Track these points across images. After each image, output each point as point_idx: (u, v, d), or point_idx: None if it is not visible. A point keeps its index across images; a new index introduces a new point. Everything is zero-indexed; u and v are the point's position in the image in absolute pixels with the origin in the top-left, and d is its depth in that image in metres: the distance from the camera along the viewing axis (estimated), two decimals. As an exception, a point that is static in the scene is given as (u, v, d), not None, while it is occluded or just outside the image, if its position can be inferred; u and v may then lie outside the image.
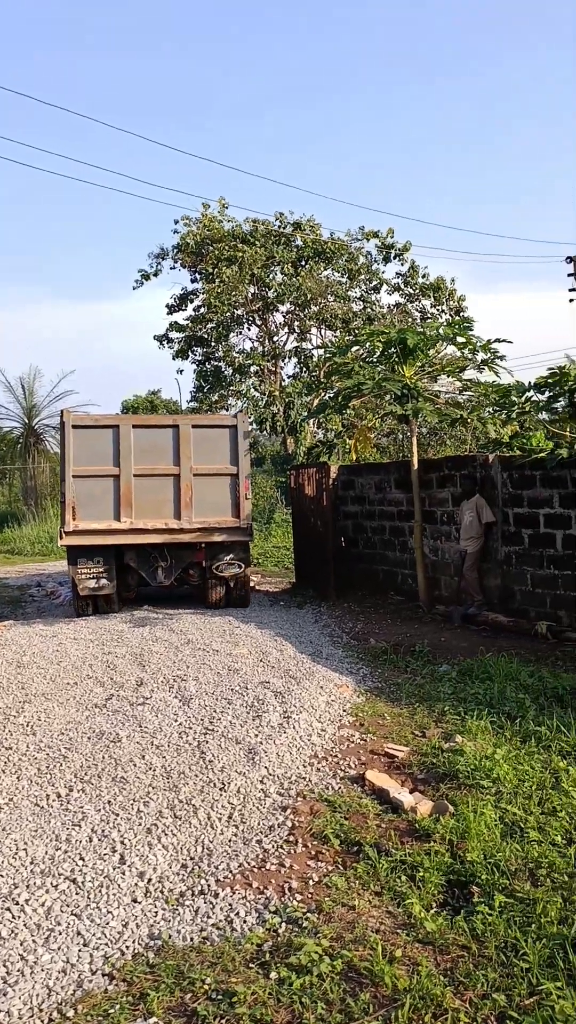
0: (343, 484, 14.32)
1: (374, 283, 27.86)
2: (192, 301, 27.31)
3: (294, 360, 27.95)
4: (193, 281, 27.33)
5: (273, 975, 3.30)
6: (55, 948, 3.59)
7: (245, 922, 3.77)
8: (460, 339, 11.58)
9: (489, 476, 10.81)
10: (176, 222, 26.58)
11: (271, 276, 26.17)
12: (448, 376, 13.44)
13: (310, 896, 3.95)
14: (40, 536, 26.68)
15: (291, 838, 4.57)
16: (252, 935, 3.61)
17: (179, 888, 4.11)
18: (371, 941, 3.45)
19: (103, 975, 3.42)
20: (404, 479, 12.54)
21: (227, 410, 26.52)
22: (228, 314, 25.88)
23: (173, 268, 27.36)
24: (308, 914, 3.76)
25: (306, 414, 23.04)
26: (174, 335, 27.70)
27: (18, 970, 3.43)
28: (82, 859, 4.37)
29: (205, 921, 3.80)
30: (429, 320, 26.52)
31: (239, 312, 26.65)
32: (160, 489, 11.82)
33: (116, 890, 4.05)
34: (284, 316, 27.55)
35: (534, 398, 9.71)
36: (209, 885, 4.11)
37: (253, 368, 26.81)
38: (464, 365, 12.31)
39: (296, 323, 27.36)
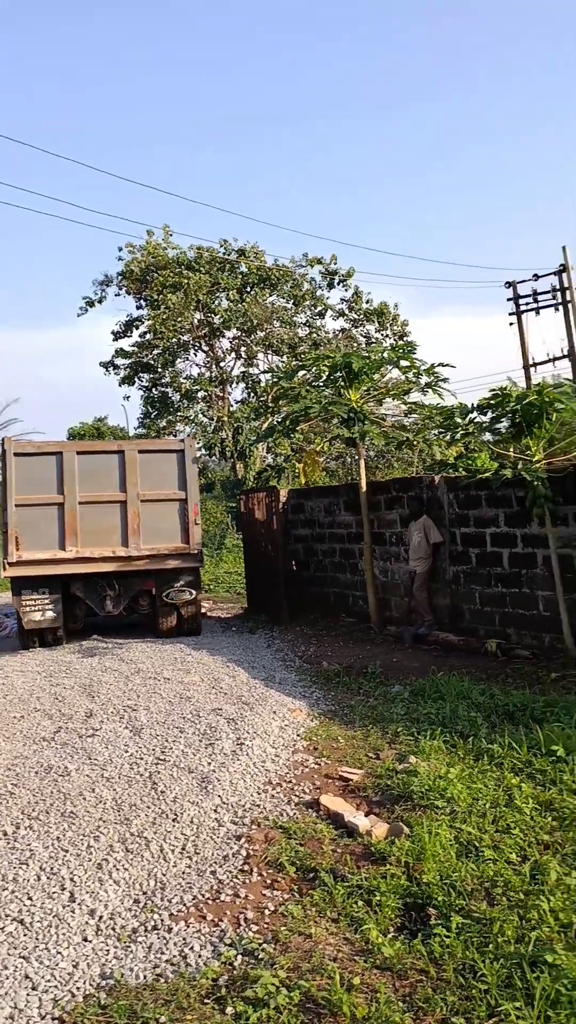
0: (293, 508, 14.34)
1: (319, 308, 28.20)
2: (138, 327, 27.30)
3: (242, 385, 28.10)
4: (138, 308, 27.35)
5: (229, 1010, 3.22)
6: (1, 993, 3.45)
7: (200, 956, 3.68)
8: (404, 363, 11.75)
9: (436, 497, 10.93)
10: (120, 249, 26.62)
11: (216, 302, 26.31)
12: (393, 399, 13.61)
13: (266, 926, 3.88)
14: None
15: (246, 867, 4.49)
16: (207, 969, 3.52)
17: (131, 924, 4.00)
18: (329, 970, 3.40)
19: (53, 1019, 3.30)
20: (353, 502, 12.61)
21: (175, 436, 26.44)
22: (174, 340, 25.90)
23: (118, 295, 27.35)
24: (264, 945, 3.69)
25: (255, 439, 23.09)
26: (120, 361, 27.62)
27: (-38, 1019, 3.29)
28: (30, 898, 4.23)
29: (159, 957, 3.70)
30: (374, 344, 26.88)
31: (185, 338, 26.71)
32: (107, 516, 11.64)
33: (66, 929, 3.93)
34: (231, 342, 27.71)
35: (477, 419, 9.86)
36: (162, 919, 4.01)
37: (201, 394, 26.83)
38: (408, 388, 12.48)
39: (243, 348, 27.52)
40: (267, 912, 4.01)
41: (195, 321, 26.19)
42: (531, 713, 6.84)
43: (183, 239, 40.37)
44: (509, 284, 26.15)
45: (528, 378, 25.51)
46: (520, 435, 9.21)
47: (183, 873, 4.50)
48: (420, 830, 4.59)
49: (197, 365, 28.25)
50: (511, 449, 9.94)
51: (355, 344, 27.40)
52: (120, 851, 4.72)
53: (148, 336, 26.34)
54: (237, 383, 28.20)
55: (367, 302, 28.20)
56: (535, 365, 26.13)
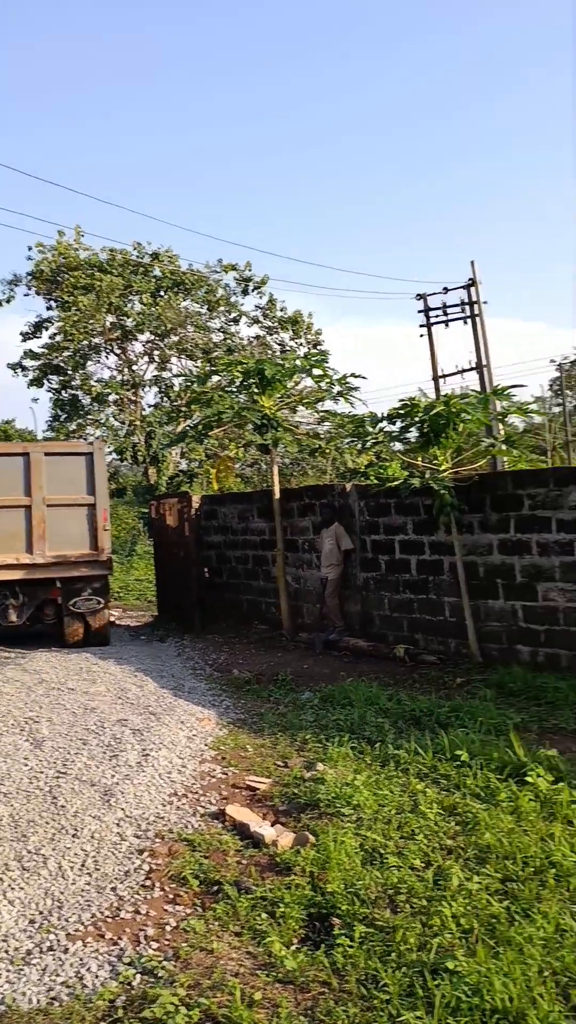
0: (206, 514, 14.22)
1: (233, 315, 28.16)
2: (47, 329, 26.67)
3: (155, 389, 27.78)
4: (48, 309, 26.71)
5: (126, 1033, 3.11)
6: None
7: (97, 977, 3.54)
8: (316, 371, 11.82)
9: (347, 504, 11.01)
10: (30, 248, 25.98)
11: (129, 305, 25.96)
12: (306, 408, 13.68)
13: (167, 943, 3.78)
14: None
15: (148, 882, 4.37)
16: (104, 990, 3.40)
17: (26, 946, 3.83)
18: (230, 986, 3.32)
19: None
20: (267, 508, 12.59)
21: (85, 439, 25.93)
22: (85, 342, 25.42)
23: (27, 295, 26.66)
24: (164, 962, 3.58)
25: (167, 443, 22.85)
26: (29, 363, 26.91)
27: None
28: None
29: (53, 980, 3.54)
30: (288, 352, 27.01)
31: (97, 340, 26.24)
32: (9, 521, 11.22)
33: (-45, 956, 3.72)
34: (144, 345, 27.38)
35: (387, 428, 10.00)
36: (59, 940, 3.86)
37: (112, 397, 26.40)
38: (321, 397, 12.56)
39: (156, 352, 27.23)
40: (168, 928, 3.91)
41: (107, 324, 25.76)
42: (437, 718, 6.93)
43: (95, 240, 39.70)
44: (420, 296, 26.71)
45: (437, 389, 26.09)
46: (428, 445, 9.37)
47: (82, 891, 4.34)
48: (326, 838, 4.56)
49: (109, 368, 27.81)
50: (420, 458, 10.11)
51: (269, 351, 27.48)
52: (16, 870, 4.52)
53: (58, 338, 25.75)
54: (150, 387, 27.89)
55: (281, 310, 28.33)
56: (444, 376, 26.75)
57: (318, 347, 28.23)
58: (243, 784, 5.81)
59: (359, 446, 11.29)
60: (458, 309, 26.27)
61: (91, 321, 24.53)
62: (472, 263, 26.03)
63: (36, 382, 26.91)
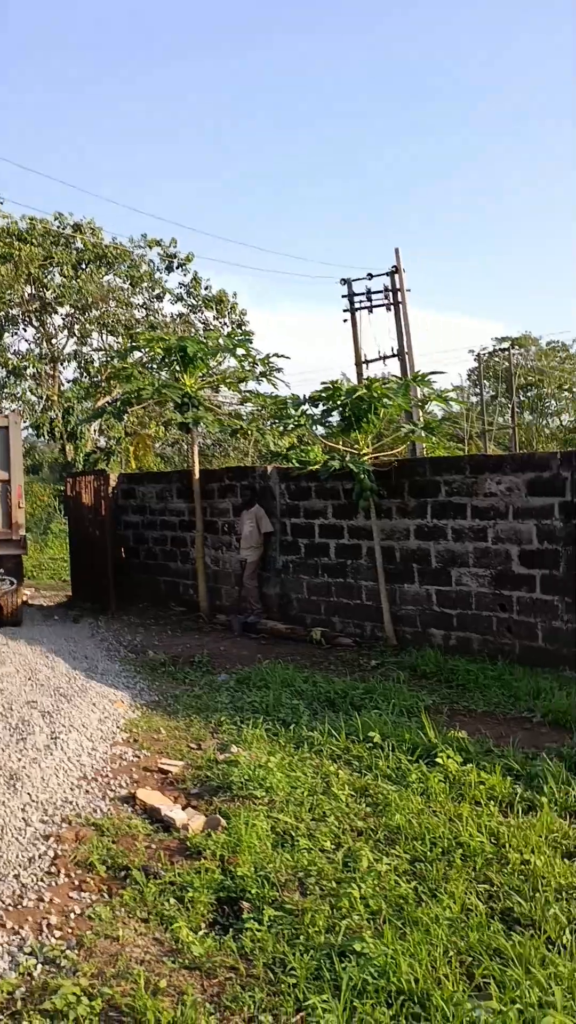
0: (123, 493, 13.95)
1: (157, 291, 27.66)
2: (-38, 297, 25.59)
3: (74, 364, 27.06)
4: (-37, 276, 25.61)
5: (25, 1025, 3.00)
6: None
7: (-4, 969, 3.42)
8: (240, 351, 11.70)
9: (268, 487, 10.96)
10: (-56, 213, 24.87)
11: (49, 277, 25.17)
12: (229, 388, 13.55)
13: (71, 931, 3.68)
14: None
15: (53, 869, 4.25)
16: (2, 983, 3.28)
17: None
18: (135, 974, 3.25)
19: None
20: (186, 489, 12.43)
21: (0, 412, 25.12)
22: (2, 313, 24.56)
23: None
24: (67, 951, 3.49)
25: (85, 419, 22.32)
26: None
27: None
28: None
29: (-50, 973, 3.40)
30: (211, 331, 26.70)
31: (14, 312, 25.38)
32: None
33: None
34: (63, 319, 26.62)
35: (309, 411, 9.97)
36: (-43, 932, 3.71)
37: (30, 371, 25.61)
38: (244, 377, 12.45)
39: (76, 326, 26.53)
40: (73, 916, 3.81)
41: (25, 295, 24.92)
42: (351, 700, 6.98)
43: (14, 208, 38.42)
44: (344, 281, 26.75)
45: (360, 375, 26.24)
46: (350, 429, 9.39)
47: (-17, 879, 4.19)
48: (237, 821, 4.53)
49: (26, 341, 26.94)
50: (341, 443, 10.13)
51: (193, 330, 27.11)
52: None
53: (-27, 307, 24.79)
54: (69, 362, 27.15)
55: (206, 288, 27.96)
56: (367, 362, 26.91)
57: (242, 327, 27.99)
58: (155, 767, 5.72)
59: (281, 428, 11.25)
60: (381, 296, 26.44)
61: (8, 291, 23.68)
62: (396, 251, 26.18)
63: (-52, 353, 25.89)
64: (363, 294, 26.57)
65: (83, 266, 25.71)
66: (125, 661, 9.27)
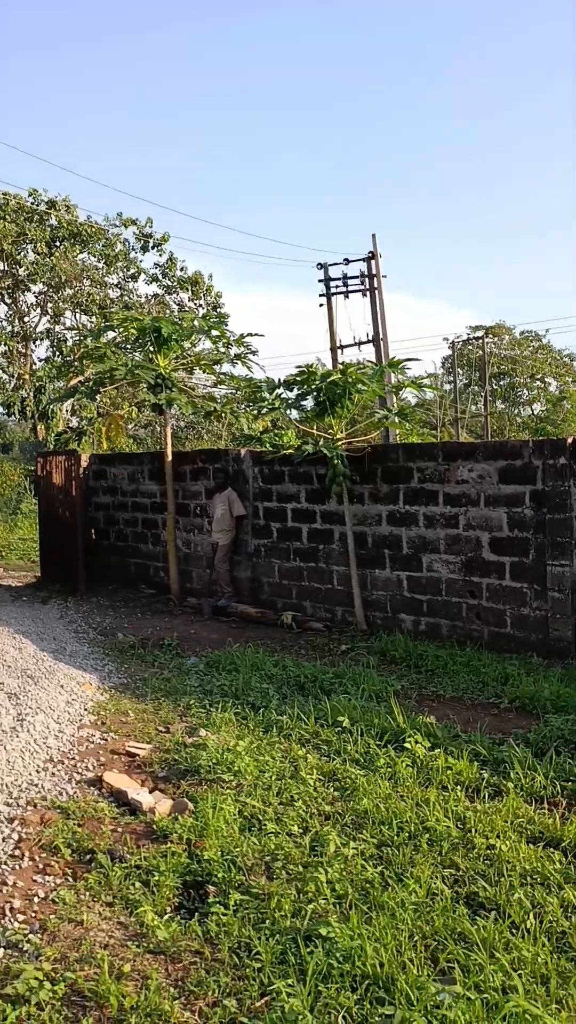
0: (95, 474, 13.81)
1: (132, 271, 27.35)
2: None
3: (46, 343, 26.71)
4: None
5: (-15, 1011, 2.96)
6: None
7: (-43, 953, 3.37)
8: (214, 332, 11.59)
9: (241, 470, 10.90)
10: None
11: (22, 253, 24.77)
12: (203, 370, 13.42)
13: (34, 915, 3.64)
14: None
15: (17, 852, 4.20)
16: (-36, 968, 3.23)
17: None
18: (99, 958, 3.22)
19: None
20: (158, 470, 12.33)
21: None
22: (-27, 289, 24.16)
23: None
24: (30, 935, 3.45)
25: (56, 398, 22.07)
26: None
27: None
28: None
29: None
30: (186, 312, 26.47)
31: (-15, 288, 24.98)
32: None
33: None
34: (36, 296, 26.24)
35: (284, 395, 9.91)
36: None
37: (1, 348, 25.23)
38: (218, 359, 12.34)
39: (49, 305, 26.18)
40: (36, 899, 3.77)
41: (-3, 271, 24.55)
42: (321, 684, 6.98)
43: (-12, 182, 37.74)
44: (321, 266, 26.60)
45: (335, 360, 26.15)
46: (324, 413, 9.35)
47: (-54, 862, 4.13)
48: (204, 805, 4.51)
49: (-2, 318, 26.55)
50: (315, 427, 10.09)
51: (168, 311, 26.86)
52: None
53: (-56, 282, 24.37)
54: (41, 340, 26.79)
55: (182, 269, 27.71)
56: (342, 348, 26.81)
57: (217, 309, 27.80)
58: (123, 750, 5.68)
59: (255, 412, 11.17)
60: (358, 281, 26.33)
61: (-21, 267, 23.32)
62: (373, 236, 26.06)
63: None
64: (339, 279, 26.44)
65: (57, 244, 25.35)
66: (94, 643, 9.19)
